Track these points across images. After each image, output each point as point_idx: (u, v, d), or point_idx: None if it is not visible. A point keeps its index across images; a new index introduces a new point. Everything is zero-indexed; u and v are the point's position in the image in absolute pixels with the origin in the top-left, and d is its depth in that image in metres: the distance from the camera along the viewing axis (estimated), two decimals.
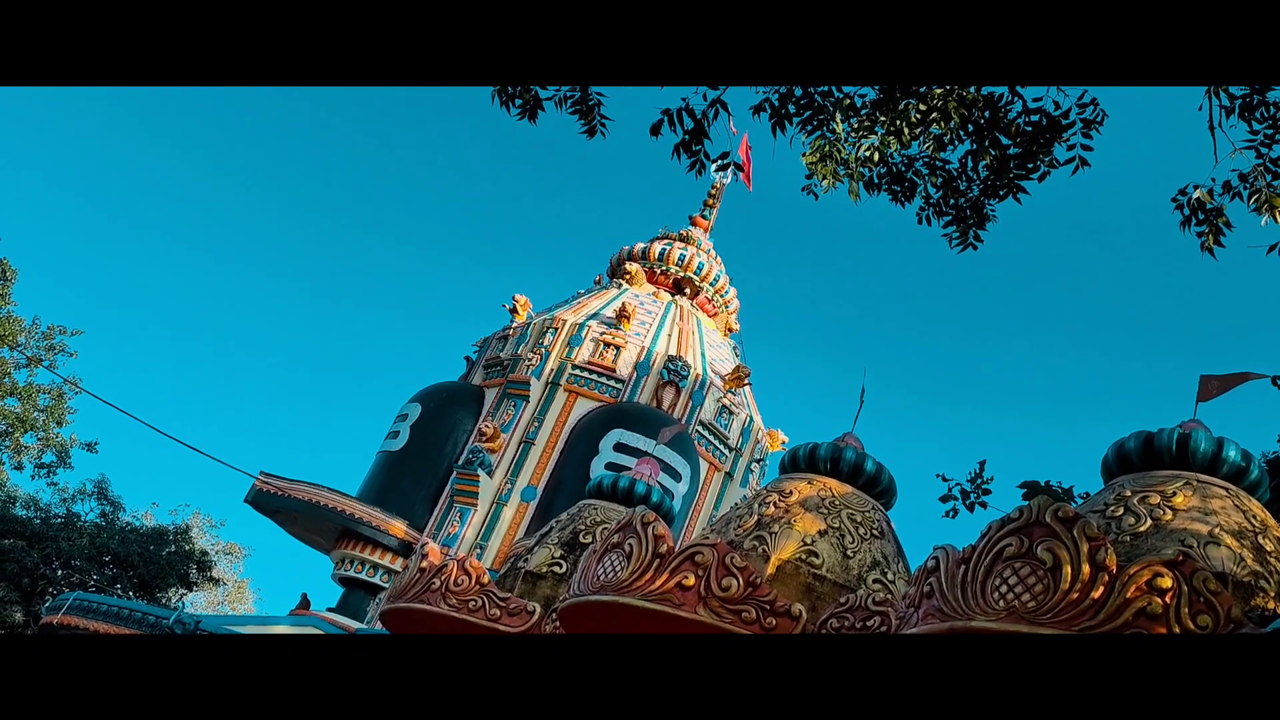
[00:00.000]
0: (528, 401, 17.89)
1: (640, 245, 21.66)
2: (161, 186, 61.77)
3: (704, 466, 18.23)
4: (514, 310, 19.78)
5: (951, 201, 6.53)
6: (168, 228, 62.94)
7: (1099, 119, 6.51)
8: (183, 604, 25.18)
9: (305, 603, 17.03)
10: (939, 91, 5.63)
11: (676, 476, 16.75)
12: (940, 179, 6.49)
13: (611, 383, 18.25)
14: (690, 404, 18.43)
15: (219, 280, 64.41)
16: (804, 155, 5.92)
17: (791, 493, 6.44)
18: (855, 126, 5.86)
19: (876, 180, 6.39)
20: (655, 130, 5.10)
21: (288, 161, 65.62)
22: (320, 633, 14.41)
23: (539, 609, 7.06)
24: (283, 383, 63.99)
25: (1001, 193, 6.43)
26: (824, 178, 5.39)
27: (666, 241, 21.64)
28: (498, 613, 7.04)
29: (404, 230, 67.00)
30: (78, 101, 57.54)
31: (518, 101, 5.03)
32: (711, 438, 18.70)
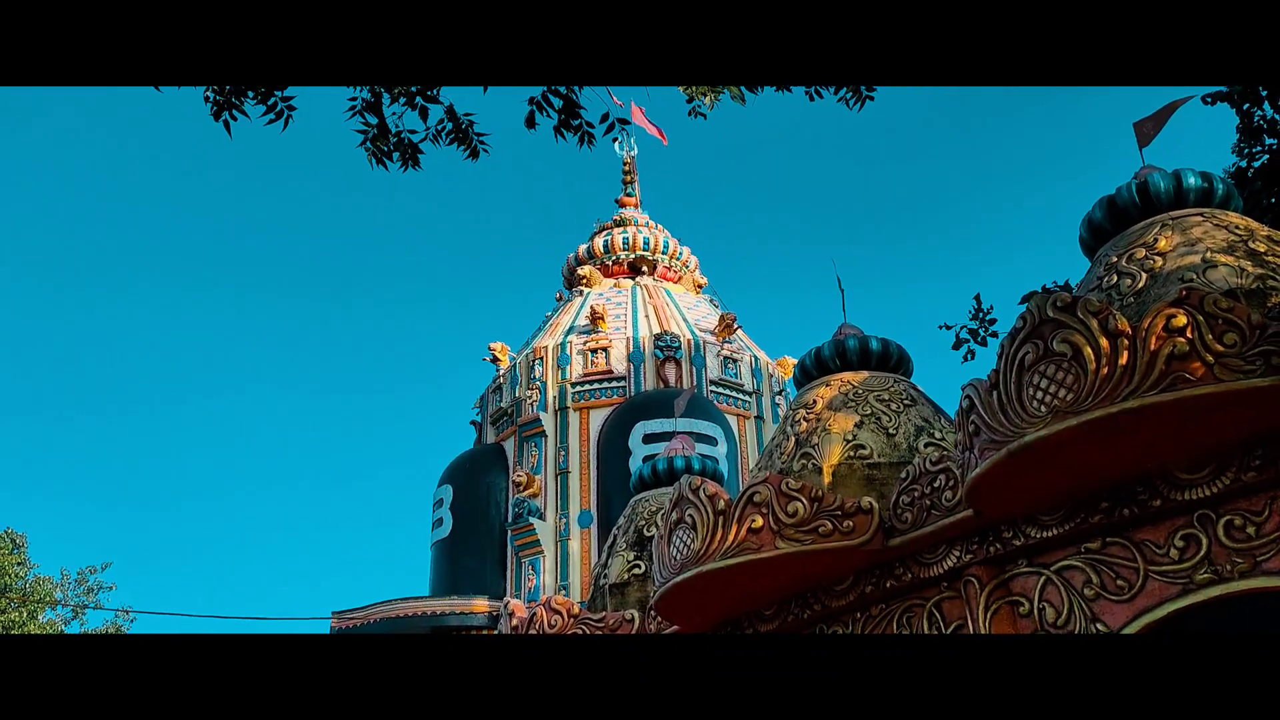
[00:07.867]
0: (545, 436, 17.93)
1: (583, 246, 21.69)
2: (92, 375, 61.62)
3: (733, 421, 18.27)
4: (495, 359, 19.80)
5: None
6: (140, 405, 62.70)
7: None
8: None
9: None
10: None
11: (712, 442, 16.78)
12: None
13: (614, 384, 18.29)
14: (695, 370, 18.47)
15: (213, 444, 64.23)
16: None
17: (815, 401, 6.47)
18: None
19: None
20: (529, 122, 5.07)
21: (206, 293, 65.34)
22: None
23: (636, 614, 7.09)
24: (319, 517, 63.82)
25: None
26: (703, 95, 5.36)
27: (605, 232, 21.66)
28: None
29: (362, 325, 66.61)
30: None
31: (395, 156, 5.00)
32: (727, 391, 18.74)
